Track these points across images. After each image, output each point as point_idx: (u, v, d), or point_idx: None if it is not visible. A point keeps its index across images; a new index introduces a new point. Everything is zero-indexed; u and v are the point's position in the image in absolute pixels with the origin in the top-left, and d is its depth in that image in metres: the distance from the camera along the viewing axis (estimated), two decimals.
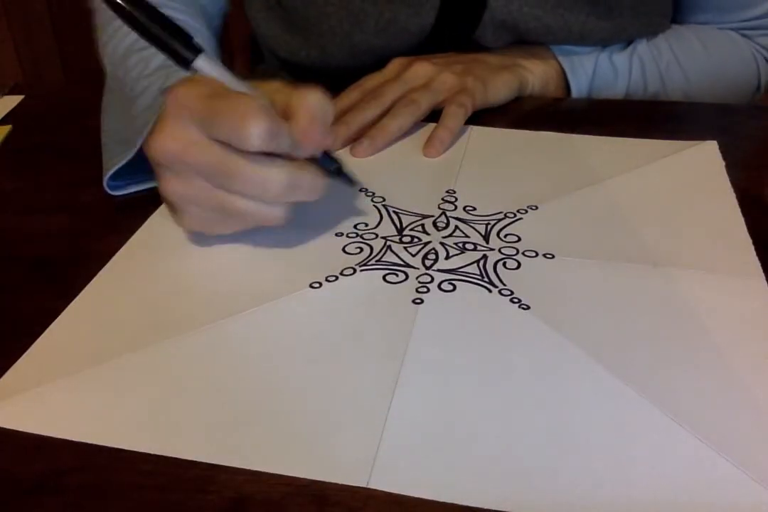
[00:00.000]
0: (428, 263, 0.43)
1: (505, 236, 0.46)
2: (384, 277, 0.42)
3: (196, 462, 0.31)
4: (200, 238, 0.45)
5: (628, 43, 0.69)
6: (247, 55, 1.00)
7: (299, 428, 0.33)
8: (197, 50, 0.40)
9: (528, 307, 0.40)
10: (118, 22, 0.50)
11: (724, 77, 0.73)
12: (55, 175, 0.54)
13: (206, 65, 0.40)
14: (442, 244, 0.45)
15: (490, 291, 0.41)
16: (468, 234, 0.46)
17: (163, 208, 0.48)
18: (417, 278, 0.42)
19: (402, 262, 0.43)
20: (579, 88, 0.68)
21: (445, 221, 0.47)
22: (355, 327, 0.39)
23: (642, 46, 0.69)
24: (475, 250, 0.45)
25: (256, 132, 0.37)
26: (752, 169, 0.54)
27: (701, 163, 0.53)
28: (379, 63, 0.63)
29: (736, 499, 0.30)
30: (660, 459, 0.31)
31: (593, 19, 0.64)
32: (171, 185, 0.41)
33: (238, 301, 0.40)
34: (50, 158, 0.57)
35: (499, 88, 0.62)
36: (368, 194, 0.50)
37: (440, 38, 0.66)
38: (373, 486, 0.30)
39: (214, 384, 0.35)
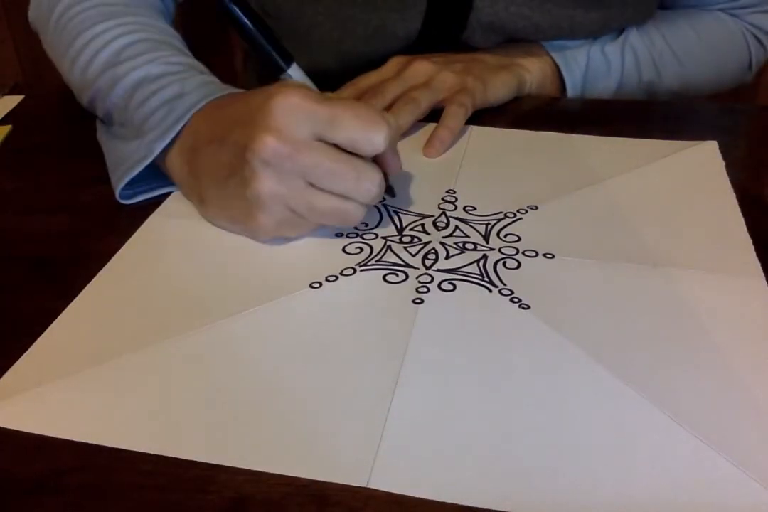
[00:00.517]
0: (428, 263, 0.43)
1: (505, 236, 0.46)
2: (384, 277, 0.42)
3: (196, 462, 0.31)
4: (200, 237, 0.45)
5: (620, 32, 0.69)
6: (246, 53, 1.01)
7: (299, 428, 0.33)
8: (290, 57, 0.43)
9: (528, 307, 0.40)
10: (83, 39, 0.53)
11: (717, 59, 0.73)
12: (55, 175, 0.54)
13: (297, 72, 0.44)
14: (442, 243, 0.45)
15: (490, 291, 0.41)
16: (468, 234, 0.46)
17: (163, 208, 0.49)
18: (417, 278, 0.42)
19: (402, 262, 0.43)
20: (574, 83, 0.68)
21: (445, 221, 0.47)
22: (355, 327, 0.39)
23: (633, 35, 0.69)
24: (475, 249, 0.45)
25: (383, 135, 0.40)
26: (752, 169, 0.54)
27: (701, 163, 0.53)
28: (367, 68, 0.63)
29: (736, 499, 0.30)
30: (660, 459, 0.31)
31: (581, 13, 0.64)
32: (269, 183, 0.41)
33: (238, 301, 0.40)
34: (50, 158, 0.57)
35: (499, 88, 0.63)
36: None
37: (428, 42, 0.66)
38: (373, 486, 0.30)
39: (214, 384, 0.35)
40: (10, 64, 1.35)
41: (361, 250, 0.44)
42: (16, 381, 0.35)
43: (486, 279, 0.42)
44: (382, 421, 0.33)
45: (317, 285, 0.42)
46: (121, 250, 0.45)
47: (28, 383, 0.35)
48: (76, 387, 0.35)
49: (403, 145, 0.56)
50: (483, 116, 0.61)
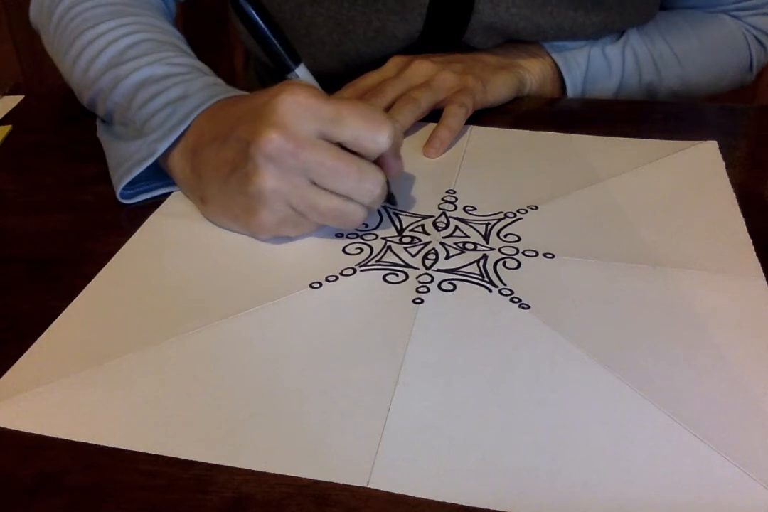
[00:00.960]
0: (428, 263, 0.43)
1: (505, 236, 0.46)
2: (384, 277, 0.42)
3: (196, 462, 0.31)
4: (200, 237, 0.45)
5: (621, 33, 0.69)
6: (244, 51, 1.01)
7: (299, 428, 0.33)
8: (298, 57, 0.44)
9: (528, 307, 0.40)
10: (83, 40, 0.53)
11: (718, 61, 0.73)
12: (55, 175, 0.54)
13: (304, 72, 0.45)
14: (442, 244, 0.45)
15: (490, 290, 0.41)
16: (468, 234, 0.46)
17: (163, 208, 0.49)
18: (417, 278, 0.42)
19: (402, 262, 0.43)
20: (574, 84, 0.68)
21: (445, 221, 0.47)
22: (355, 327, 0.39)
23: (634, 36, 0.69)
24: (475, 249, 0.45)
25: (387, 134, 0.41)
26: (752, 169, 0.54)
27: (701, 163, 0.53)
28: (368, 69, 0.63)
29: (736, 499, 0.30)
30: (660, 458, 0.31)
31: (582, 14, 0.64)
32: (271, 179, 0.41)
33: (238, 301, 0.40)
34: (50, 158, 0.57)
35: (499, 88, 0.63)
36: None
37: (429, 43, 0.66)
38: (373, 486, 0.30)
39: (215, 384, 0.35)
40: (10, 64, 1.35)
41: (361, 250, 0.44)
42: (16, 381, 0.35)
43: (486, 279, 0.42)
44: (382, 421, 0.33)
45: (317, 285, 0.42)
46: (121, 250, 0.45)
47: (28, 383, 0.35)
48: (76, 387, 0.35)
49: (403, 145, 0.57)
50: (483, 116, 0.61)
